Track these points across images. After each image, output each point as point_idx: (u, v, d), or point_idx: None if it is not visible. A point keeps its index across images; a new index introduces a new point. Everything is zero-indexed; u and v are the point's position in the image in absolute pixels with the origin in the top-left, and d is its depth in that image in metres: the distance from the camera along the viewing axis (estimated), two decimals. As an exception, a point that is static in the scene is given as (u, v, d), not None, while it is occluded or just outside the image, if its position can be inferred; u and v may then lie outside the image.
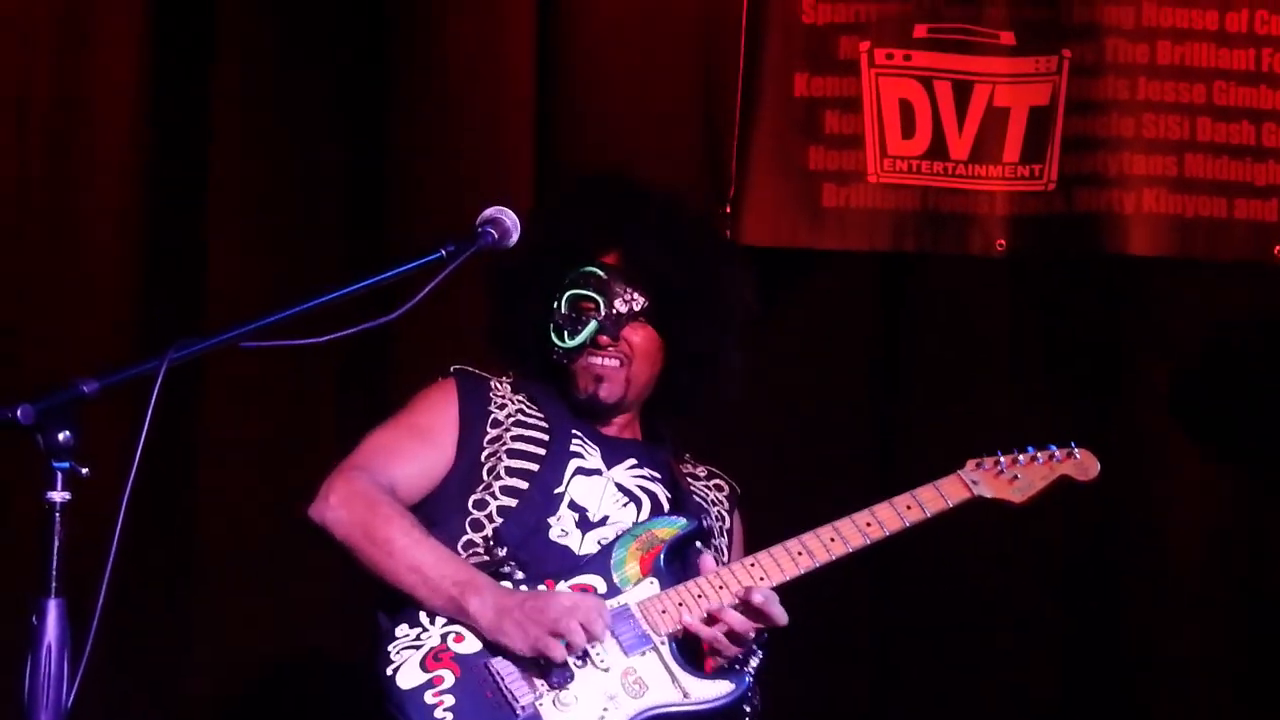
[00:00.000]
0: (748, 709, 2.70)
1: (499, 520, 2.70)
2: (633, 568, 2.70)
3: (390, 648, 2.58)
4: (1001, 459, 2.86)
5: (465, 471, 2.76)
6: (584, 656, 2.59)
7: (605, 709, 2.57)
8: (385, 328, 2.36)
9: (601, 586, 2.68)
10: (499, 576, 2.64)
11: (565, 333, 2.82)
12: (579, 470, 2.79)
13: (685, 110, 3.97)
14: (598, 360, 2.82)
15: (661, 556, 2.71)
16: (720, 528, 2.89)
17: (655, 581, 2.69)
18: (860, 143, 3.90)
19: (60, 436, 1.97)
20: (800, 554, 2.72)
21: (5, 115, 3.87)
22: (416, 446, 2.77)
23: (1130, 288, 3.92)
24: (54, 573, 1.98)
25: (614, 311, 2.81)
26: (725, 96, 3.91)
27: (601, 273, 2.83)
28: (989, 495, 2.84)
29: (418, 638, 2.59)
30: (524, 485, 2.74)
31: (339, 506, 2.66)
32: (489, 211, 2.47)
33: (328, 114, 4.00)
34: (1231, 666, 3.84)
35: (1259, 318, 3.90)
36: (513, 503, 2.72)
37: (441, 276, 2.36)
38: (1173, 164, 3.84)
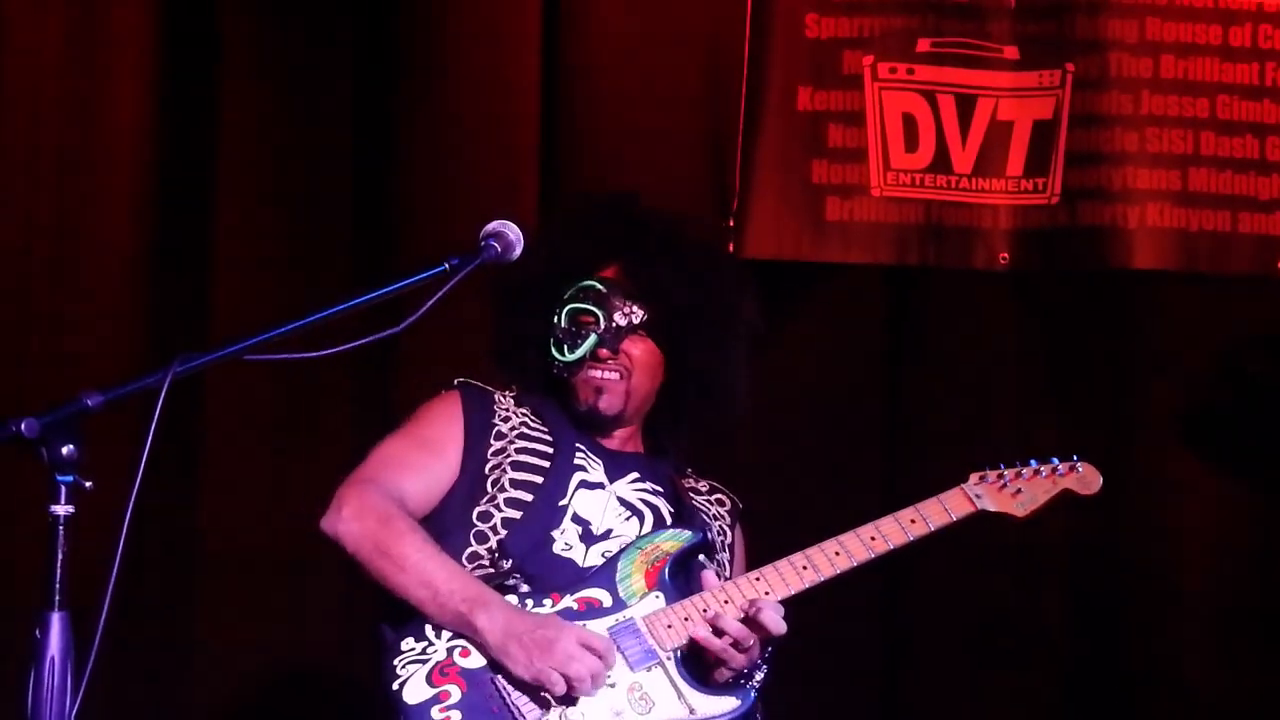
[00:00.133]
0: (753, 723, 2.70)
1: (503, 532, 2.70)
2: (638, 581, 2.70)
3: (396, 662, 2.58)
4: (1005, 472, 2.86)
5: (470, 484, 2.76)
6: None
7: (612, 725, 2.58)
8: (389, 340, 2.36)
9: (607, 600, 2.67)
10: (504, 589, 2.64)
11: (565, 346, 2.83)
12: (582, 483, 2.79)
13: (689, 124, 3.98)
14: (597, 373, 2.83)
15: (666, 570, 2.71)
16: (722, 542, 2.89)
17: (660, 596, 2.69)
18: (864, 156, 3.90)
19: (64, 450, 1.98)
20: (805, 568, 2.72)
21: (13, 129, 3.88)
22: (424, 459, 2.77)
23: (1133, 301, 3.91)
24: (57, 586, 1.98)
25: (613, 325, 2.82)
26: (729, 110, 3.92)
27: (601, 286, 2.84)
28: (992, 509, 2.84)
29: (424, 651, 2.59)
30: (528, 497, 2.74)
31: (352, 519, 2.66)
32: (493, 225, 2.48)
33: (334, 131, 4.00)
34: (1235, 676, 3.82)
35: (1262, 331, 3.90)
36: (517, 515, 2.72)
37: (445, 290, 2.37)
38: (1177, 178, 3.85)
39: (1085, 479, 2.89)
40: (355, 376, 3.91)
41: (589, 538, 2.75)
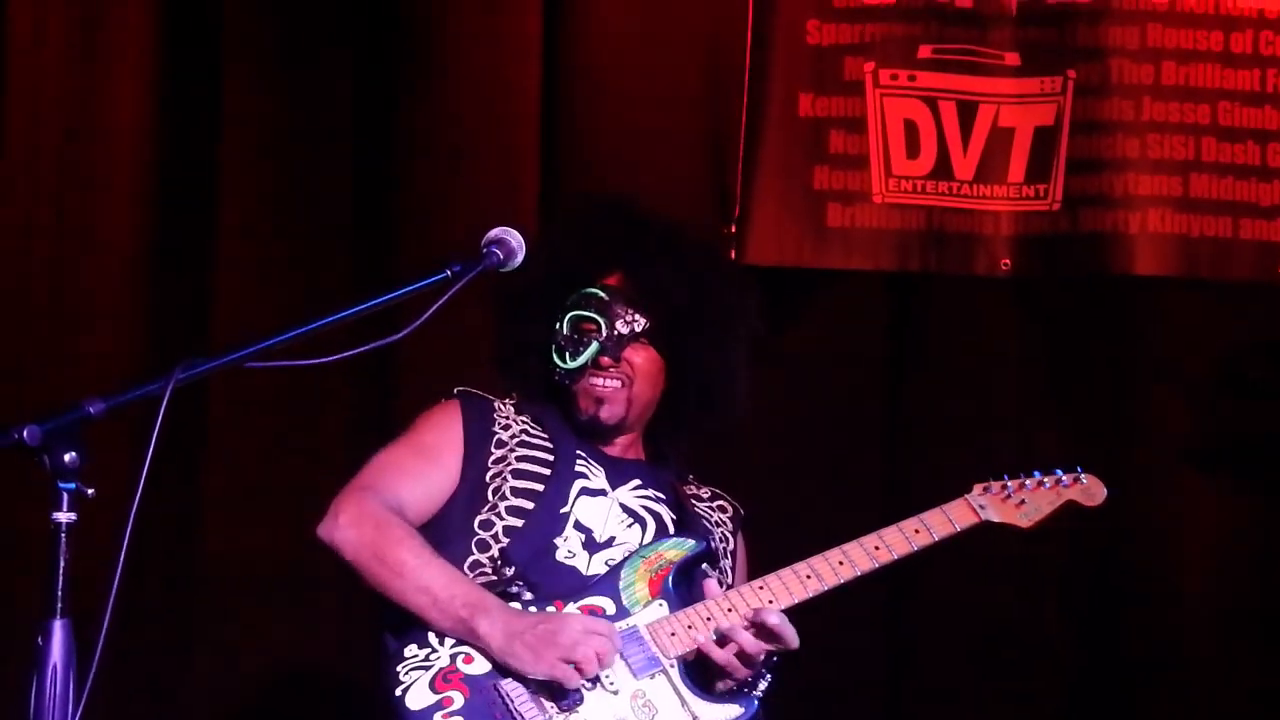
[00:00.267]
0: (755, 732, 2.70)
1: (505, 540, 2.70)
2: (641, 589, 2.70)
3: (399, 668, 2.58)
4: (1009, 483, 2.86)
5: (470, 492, 2.76)
6: (594, 680, 2.59)
7: (615, 732, 2.58)
8: (390, 347, 2.36)
9: (610, 608, 2.67)
10: (507, 597, 2.64)
11: (567, 354, 2.83)
12: (584, 490, 2.79)
13: (690, 130, 3.97)
14: (599, 381, 2.82)
15: (670, 578, 2.71)
16: (725, 549, 2.89)
17: (664, 604, 2.69)
18: (865, 163, 3.90)
19: (66, 457, 1.98)
20: (809, 577, 2.72)
21: (13, 129, 3.87)
22: (423, 467, 2.77)
23: (1135, 308, 3.91)
24: (59, 593, 1.97)
25: (615, 332, 2.82)
26: (730, 116, 3.91)
27: (603, 294, 2.84)
28: (996, 519, 2.85)
29: (426, 658, 2.59)
30: (530, 505, 2.74)
31: (349, 526, 2.66)
32: (494, 232, 2.47)
33: (335, 131, 4.00)
34: (1238, 681, 3.82)
35: (1263, 337, 3.89)
36: (519, 523, 2.72)
37: (447, 296, 2.37)
38: (1178, 184, 3.84)
39: (1089, 490, 2.89)
40: (355, 383, 3.91)
41: (591, 545, 2.75)
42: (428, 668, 2.57)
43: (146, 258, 3.92)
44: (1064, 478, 2.89)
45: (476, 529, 2.72)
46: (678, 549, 2.75)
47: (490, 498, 2.75)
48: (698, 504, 2.92)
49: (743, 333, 2.91)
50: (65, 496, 1.98)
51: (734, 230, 3.89)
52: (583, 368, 2.82)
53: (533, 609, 2.63)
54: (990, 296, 3.93)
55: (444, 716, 2.53)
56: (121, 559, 2.02)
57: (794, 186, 3.91)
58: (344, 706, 3.79)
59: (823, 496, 3.82)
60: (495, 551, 2.70)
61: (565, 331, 2.84)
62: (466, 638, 2.58)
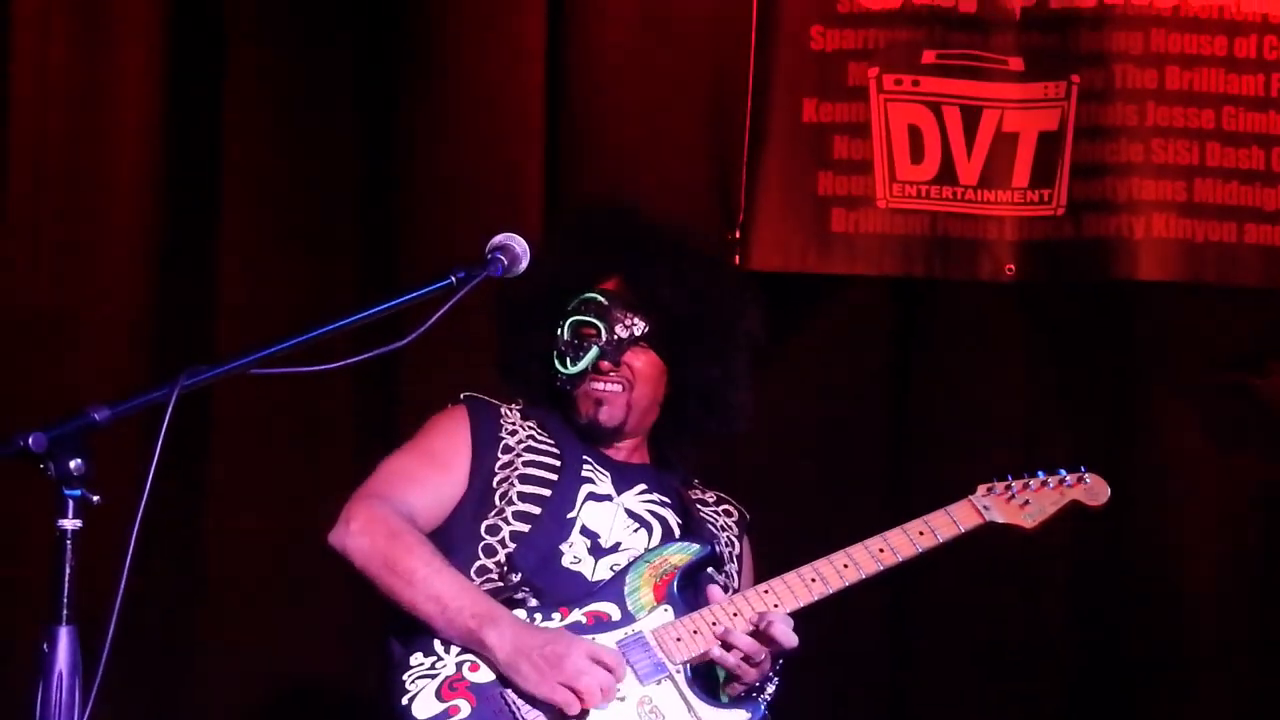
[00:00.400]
0: (763, 736, 2.69)
1: (511, 546, 2.70)
2: (646, 595, 2.69)
3: (405, 677, 2.58)
4: (1013, 484, 2.86)
5: (478, 498, 2.76)
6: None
7: (622, 739, 2.57)
8: (394, 353, 2.36)
9: (615, 614, 2.67)
10: (513, 603, 2.64)
11: (568, 359, 2.83)
12: (590, 496, 2.80)
13: (695, 136, 3.97)
14: (600, 385, 2.83)
15: (675, 583, 2.71)
16: (730, 553, 2.89)
17: (669, 609, 2.69)
18: (869, 168, 3.90)
19: (72, 464, 1.98)
20: (814, 580, 2.71)
21: (19, 135, 3.88)
22: (432, 473, 2.78)
23: (1139, 313, 3.91)
24: (65, 600, 1.97)
25: (615, 337, 2.82)
26: (734, 122, 3.91)
27: (602, 299, 2.84)
28: (1000, 520, 2.84)
29: (433, 666, 2.59)
30: (536, 510, 2.74)
31: (360, 534, 2.66)
32: (499, 238, 2.47)
33: (339, 145, 4.01)
34: (1241, 685, 3.81)
35: (1268, 342, 3.89)
36: (525, 528, 2.72)
37: (452, 302, 2.37)
38: (1182, 189, 3.84)
39: (1093, 490, 2.89)
40: (359, 388, 3.91)
41: (597, 550, 2.75)
42: (434, 676, 2.57)
43: (150, 264, 3.92)
44: (1068, 478, 2.89)
45: (483, 534, 2.73)
46: (683, 553, 2.75)
47: (497, 503, 2.75)
48: (703, 508, 2.92)
49: (743, 338, 2.91)
50: (71, 503, 1.98)
51: (738, 236, 3.89)
52: (583, 372, 2.83)
53: (538, 615, 2.63)
54: (994, 302, 3.93)
55: None
56: (127, 566, 2.03)
57: (798, 192, 3.91)
58: (348, 714, 3.79)
59: (827, 500, 3.82)
60: (501, 557, 2.70)
61: (566, 337, 2.85)
62: (474, 648, 2.58)
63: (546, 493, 2.76)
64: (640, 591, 2.69)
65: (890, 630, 3.86)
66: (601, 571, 2.73)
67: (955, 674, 3.85)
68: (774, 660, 2.68)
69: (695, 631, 2.66)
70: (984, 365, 3.95)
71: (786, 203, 3.91)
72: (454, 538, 2.73)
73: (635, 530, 2.80)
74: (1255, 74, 3.84)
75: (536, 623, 2.63)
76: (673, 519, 2.85)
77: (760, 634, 2.63)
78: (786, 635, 2.63)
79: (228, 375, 2.20)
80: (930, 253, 3.90)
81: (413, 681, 2.57)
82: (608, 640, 2.63)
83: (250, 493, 3.92)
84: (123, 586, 2.02)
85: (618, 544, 2.77)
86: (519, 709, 2.55)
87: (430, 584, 2.60)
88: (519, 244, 2.47)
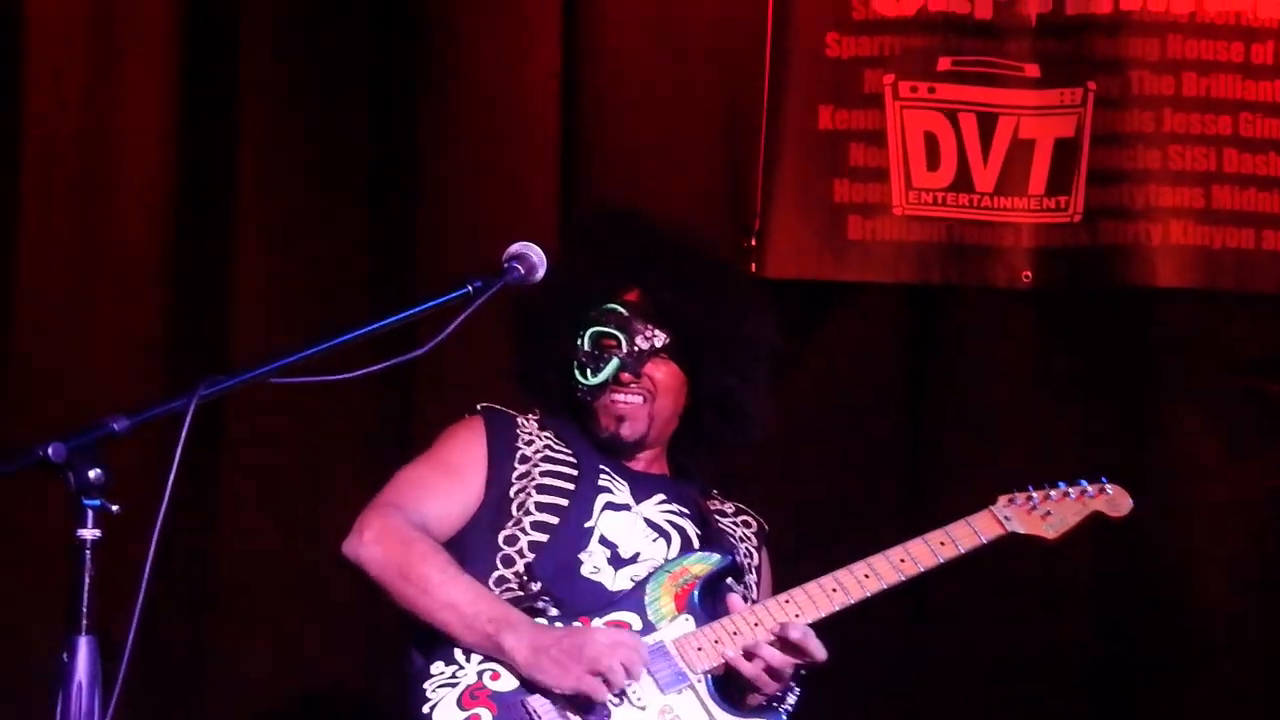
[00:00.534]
0: (784, 746, 2.69)
1: (530, 556, 2.70)
2: (667, 604, 2.69)
3: (426, 685, 2.57)
4: (1034, 495, 2.86)
5: (495, 508, 2.75)
6: (621, 694, 2.58)
7: (643, 747, 2.57)
8: (408, 362, 2.35)
9: (636, 623, 2.67)
10: (533, 613, 2.63)
11: (588, 370, 2.83)
12: (608, 505, 2.79)
13: (710, 144, 3.97)
14: (621, 397, 2.83)
15: (696, 593, 2.70)
16: (749, 564, 2.88)
17: (690, 618, 2.68)
18: (885, 175, 3.89)
19: (91, 474, 1.97)
20: (835, 590, 2.71)
21: (36, 149, 3.89)
22: (447, 483, 2.77)
23: (1156, 319, 3.89)
24: (84, 610, 1.97)
25: (635, 348, 2.82)
26: (750, 130, 3.91)
27: (623, 310, 2.84)
28: (1022, 531, 2.84)
29: (453, 675, 2.58)
30: (554, 520, 2.74)
31: (374, 543, 2.65)
32: (515, 247, 2.47)
33: (353, 154, 4.00)
34: (1257, 694, 3.80)
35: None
36: (544, 538, 2.72)
37: (468, 311, 2.36)
38: (1199, 195, 3.83)
39: (1115, 501, 2.89)
40: (374, 397, 3.90)
41: (617, 560, 2.75)
42: (454, 684, 2.57)
43: (167, 274, 3.92)
44: (1089, 488, 2.88)
45: (501, 544, 2.72)
46: (703, 563, 2.75)
47: (514, 513, 2.74)
48: (722, 519, 2.91)
49: (763, 348, 2.91)
50: (90, 513, 1.97)
51: (754, 243, 3.89)
52: (604, 384, 2.82)
53: (558, 624, 2.63)
54: (1011, 309, 3.92)
55: None
56: (146, 575, 2.02)
57: (814, 199, 3.90)
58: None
59: (845, 509, 3.81)
60: (520, 567, 2.69)
61: (586, 348, 2.84)
62: (492, 653, 2.58)
63: (564, 502, 2.75)
64: (661, 601, 2.69)
65: (907, 641, 3.84)
66: (621, 581, 2.72)
67: (976, 685, 3.83)
68: (796, 671, 2.67)
69: (716, 641, 2.65)
70: (1000, 372, 3.94)
71: (802, 210, 3.90)
72: (470, 548, 2.72)
73: (655, 540, 2.80)
74: (1272, 80, 3.84)
75: (557, 630, 2.63)
76: (692, 529, 2.84)
77: (790, 645, 2.63)
78: (810, 644, 2.62)
79: (246, 385, 2.20)
80: (946, 260, 3.89)
81: (434, 690, 2.56)
82: (629, 650, 2.63)
83: (263, 501, 3.91)
84: (141, 596, 2.01)
85: (637, 554, 2.76)
86: (540, 717, 2.55)
87: (445, 591, 2.60)
88: (535, 253, 2.46)
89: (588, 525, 2.75)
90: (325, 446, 3.95)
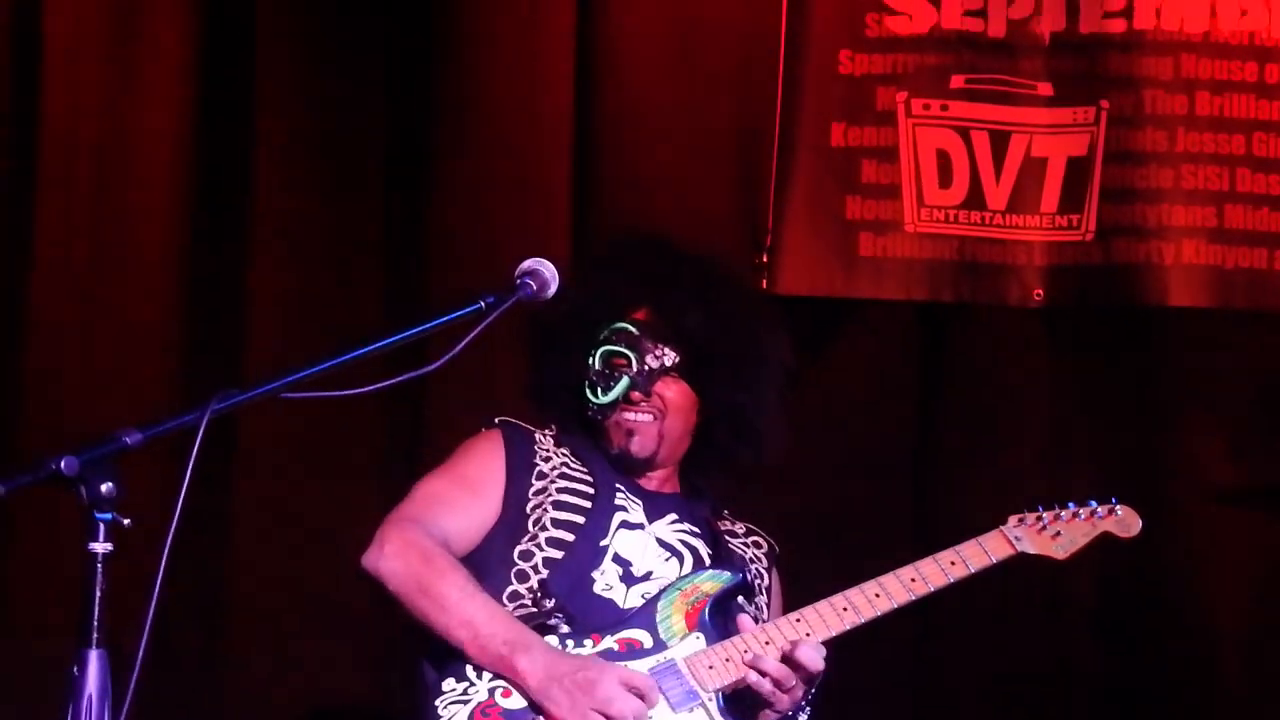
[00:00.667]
0: (794, 765, 2.69)
1: (544, 572, 2.70)
2: (678, 622, 2.69)
3: (438, 702, 2.58)
4: (1044, 515, 2.86)
5: (511, 523, 2.76)
6: None
7: (654, 767, 2.57)
8: (421, 377, 2.36)
9: (647, 641, 2.66)
10: (545, 629, 2.63)
11: (599, 389, 2.84)
12: (623, 524, 2.79)
13: (722, 159, 3.97)
14: (631, 415, 2.83)
15: (706, 611, 2.70)
16: (760, 585, 2.89)
17: (701, 636, 2.68)
18: (897, 192, 3.89)
19: (103, 488, 1.98)
20: (846, 609, 2.71)
21: (53, 155, 3.90)
22: (466, 498, 2.78)
23: (1168, 339, 3.89)
24: (95, 623, 1.97)
25: (645, 367, 2.83)
26: (762, 146, 3.91)
27: (633, 329, 2.85)
28: (1032, 551, 2.84)
29: (465, 692, 2.58)
30: (569, 537, 2.74)
31: (394, 557, 2.66)
32: (527, 263, 2.48)
33: (368, 172, 4.01)
34: (1273, 713, 3.79)
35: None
36: (558, 555, 2.72)
37: (481, 327, 2.37)
38: (1212, 215, 3.83)
39: (1124, 521, 2.89)
40: (386, 412, 3.90)
41: (629, 578, 2.75)
42: (466, 701, 2.57)
43: (180, 285, 3.93)
44: (1099, 509, 2.89)
45: (516, 559, 2.73)
46: (714, 581, 2.75)
47: (530, 528, 2.75)
48: (732, 540, 2.92)
49: (774, 367, 2.91)
50: (102, 527, 1.97)
51: (765, 260, 3.89)
52: (615, 402, 2.83)
53: (570, 642, 2.63)
54: (1022, 327, 3.91)
55: None
56: (157, 589, 2.02)
57: (826, 216, 3.90)
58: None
59: (855, 525, 3.81)
60: (534, 582, 2.70)
61: (597, 367, 2.85)
62: (505, 674, 2.58)
63: (580, 520, 2.76)
64: (672, 619, 2.69)
65: (915, 659, 3.83)
66: (633, 599, 2.73)
67: (979, 705, 3.82)
68: (808, 688, 2.67)
69: (727, 659, 2.65)
70: (1011, 390, 3.93)
71: (814, 227, 3.90)
72: (487, 563, 2.73)
73: (667, 559, 2.80)
74: (1286, 100, 3.83)
75: (568, 649, 2.63)
76: (703, 548, 2.85)
77: (789, 660, 2.63)
78: (814, 659, 2.62)
79: (258, 399, 2.20)
80: (958, 277, 3.89)
81: (445, 707, 2.57)
82: (640, 667, 2.62)
83: (275, 514, 3.92)
84: (153, 608, 2.02)
85: (649, 572, 2.77)
86: (550, 735, 2.55)
87: (463, 609, 2.60)
88: (548, 269, 2.47)
89: (603, 543, 2.76)
90: (337, 459, 3.94)
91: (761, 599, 2.86)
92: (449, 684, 2.59)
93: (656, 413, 2.84)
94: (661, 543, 2.81)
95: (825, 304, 3.91)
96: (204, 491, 3.55)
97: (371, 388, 2.32)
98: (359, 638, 3.78)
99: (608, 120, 3.99)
